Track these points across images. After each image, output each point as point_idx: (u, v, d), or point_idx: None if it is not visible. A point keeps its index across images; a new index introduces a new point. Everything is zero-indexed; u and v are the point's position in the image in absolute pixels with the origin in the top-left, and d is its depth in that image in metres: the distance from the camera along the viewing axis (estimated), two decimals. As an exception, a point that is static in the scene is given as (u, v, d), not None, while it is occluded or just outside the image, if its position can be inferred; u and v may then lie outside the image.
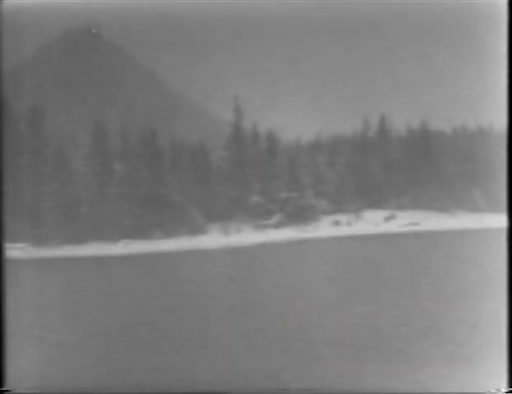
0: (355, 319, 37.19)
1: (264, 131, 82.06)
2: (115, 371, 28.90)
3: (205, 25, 65.99)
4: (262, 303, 43.28)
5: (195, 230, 77.36)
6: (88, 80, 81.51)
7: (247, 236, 77.98)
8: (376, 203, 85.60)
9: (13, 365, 27.08)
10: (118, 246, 73.08)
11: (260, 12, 56.63)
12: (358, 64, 73.07)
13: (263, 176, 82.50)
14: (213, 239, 76.32)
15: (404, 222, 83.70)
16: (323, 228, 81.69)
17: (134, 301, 45.82)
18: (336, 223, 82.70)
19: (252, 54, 71.57)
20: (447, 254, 64.34)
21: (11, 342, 27.36)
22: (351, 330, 34.98)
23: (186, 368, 29.26)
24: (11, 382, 26.81)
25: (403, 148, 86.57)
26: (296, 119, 74.85)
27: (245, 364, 29.37)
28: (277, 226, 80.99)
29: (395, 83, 73.94)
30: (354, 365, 28.94)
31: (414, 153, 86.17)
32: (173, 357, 31.01)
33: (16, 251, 57.51)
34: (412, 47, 70.15)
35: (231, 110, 79.20)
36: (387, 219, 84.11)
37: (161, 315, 40.51)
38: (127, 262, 66.71)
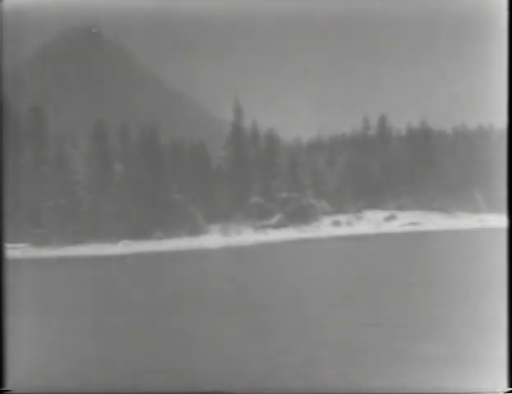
0: (355, 319, 37.19)
1: (264, 131, 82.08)
2: (115, 371, 28.90)
3: (205, 25, 65.98)
4: (262, 303, 43.29)
5: (195, 230, 77.36)
6: (88, 79, 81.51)
7: (247, 237, 77.95)
8: (376, 204, 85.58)
9: (13, 365, 27.09)
10: (118, 246, 73.08)
11: (260, 12, 56.62)
12: (358, 63, 73.06)
13: (263, 176, 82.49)
14: (213, 239, 76.31)
15: (405, 222, 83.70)
16: (324, 228, 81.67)
17: (134, 301, 45.82)
18: (337, 223, 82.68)
19: (252, 54, 71.54)
20: (447, 254, 64.33)
21: (11, 342, 27.37)
22: (351, 330, 34.97)
23: (186, 368, 29.26)
24: (11, 382, 26.82)
25: (403, 147, 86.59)
26: (296, 119, 74.84)
27: (245, 364, 29.37)
28: (277, 226, 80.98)
29: (395, 83, 73.98)
30: (354, 365, 28.94)
31: (415, 153, 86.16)
32: (173, 357, 31.01)
33: (16, 251, 57.52)
34: (412, 47, 70.16)
35: (231, 110, 79.23)
36: (387, 219, 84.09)
37: (161, 315, 40.52)
38: (127, 262, 66.71)
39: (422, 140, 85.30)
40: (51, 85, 77.14)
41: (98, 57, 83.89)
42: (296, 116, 73.77)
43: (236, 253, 71.14)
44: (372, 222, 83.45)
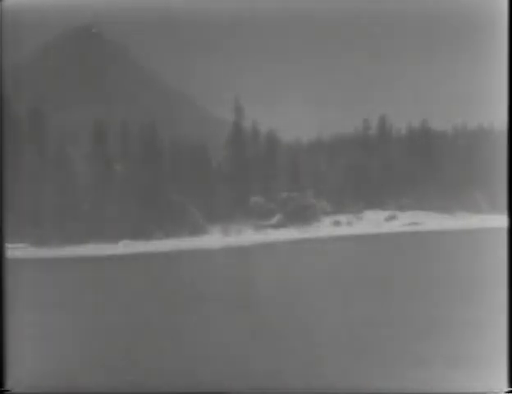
0: (355, 319, 37.17)
1: (265, 131, 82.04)
2: (115, 371, 28.86)
3: (206, 24, 65.98)
4: (262, 303, 43.26)
5: (196, 230, 77.31)
6: (88, 79, 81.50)
7: (247, 237, 77.91)
8: (376, 204, 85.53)
9: (13, 365, 27.05)
10: (118, 246, 73.05)
11: (261, 12, 56.60)
12: (358, 63, 73.04)
13: (264, 176, 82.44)
14: (214, 239, 76.28)
15: (405, 222, 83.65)
16: (324, 228, 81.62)
17: (133, 301, 45.80)
18: (337, 223, 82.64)
19: (253, 53, 71.53)
20: (447, 254, 64.33)
21: (11, 342, 27.33)
22: (351, 330, 34.95)
23: (186, 368, 29.23)
24: (11, 382, 26.78)
25: (403, 148, 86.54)
26: (297, 119, 74.80)
27: (245, 364, 29.33)
28: (278, 226, 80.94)
29: (395, 83, 73.94)
30: (354, 365, 28.90)
31: (415, 153, 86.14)
32: (173, 357, 30.98)
33: (16, 251, 57.48)
34: (412, 46, 70.13)
35: (232, 110, 79.18)
36: (388, 219, 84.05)
37: (161, 315, 40.50)
38: (127, 262, 66.68)
39: (423, 140, 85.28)
40: (51, 85, 77.10)
41: (98, 57, 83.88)
42: (297, 116, 73.76)
43: (236, 253, 71.07)
44: (372, 222, 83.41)
